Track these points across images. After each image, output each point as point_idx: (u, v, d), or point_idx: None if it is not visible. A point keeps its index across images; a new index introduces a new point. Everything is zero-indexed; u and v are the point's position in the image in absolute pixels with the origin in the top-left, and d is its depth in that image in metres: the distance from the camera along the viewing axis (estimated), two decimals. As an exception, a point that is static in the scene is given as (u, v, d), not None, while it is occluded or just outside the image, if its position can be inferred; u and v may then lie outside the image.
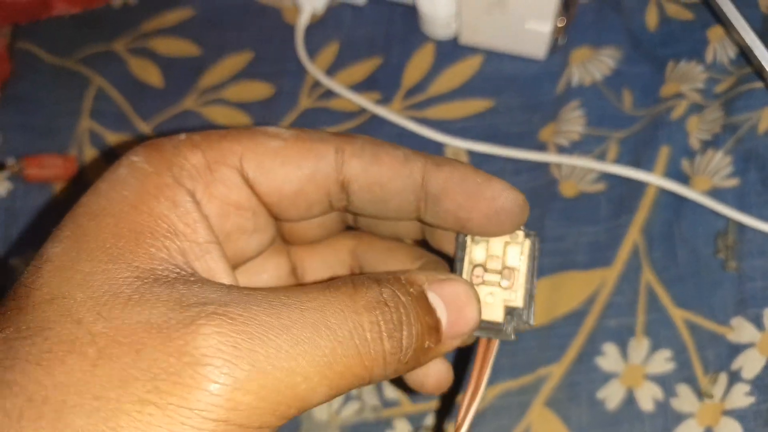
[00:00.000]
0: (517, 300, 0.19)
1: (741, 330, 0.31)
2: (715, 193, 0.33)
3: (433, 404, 0.32)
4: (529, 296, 0.19)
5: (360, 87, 0.39)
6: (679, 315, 0.32)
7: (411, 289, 0.16)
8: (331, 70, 0.40)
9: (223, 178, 0.17)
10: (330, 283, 0.15)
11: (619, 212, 0.34)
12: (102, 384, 0.13)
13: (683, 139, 0.35)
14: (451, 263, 0.20)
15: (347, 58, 0.40)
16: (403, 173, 0.17)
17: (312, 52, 0.41)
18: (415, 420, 0.32)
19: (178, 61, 0.42)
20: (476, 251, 0.19)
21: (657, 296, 0.32)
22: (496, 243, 0.19)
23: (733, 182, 0.33)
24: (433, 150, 0.37)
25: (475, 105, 0.38)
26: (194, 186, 0.16)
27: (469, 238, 0.19)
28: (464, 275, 0.19)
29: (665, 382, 0.31)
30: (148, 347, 0.13)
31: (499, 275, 0.19)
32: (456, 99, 0.39)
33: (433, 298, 0.16)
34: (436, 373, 0.20)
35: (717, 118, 0.35)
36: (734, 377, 0.30)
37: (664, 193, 0.34)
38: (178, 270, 0.15)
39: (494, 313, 0.19)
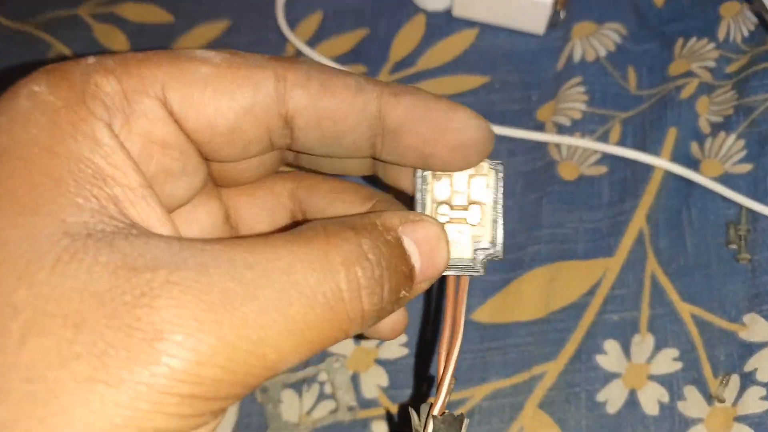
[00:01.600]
0: (486, 234, 0.18)
1: (754, 328, 0.28)
2: (727, 179, 0.31)
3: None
4: (497, 228, 0.18)
5: (344, 59, 0.36)
6: (686, 310, 0.29)
7: (389, 237, 0.15)
8: (313, 41, 0.37)
9: (144, 110, 0.14)
10: (298, 233, 0.13)
11: (622, 198, 0.31)
12: (34, 365, 0.11)
13: (692, 120, 0.32)
14: (411, 201, 0.18)
15: (331, 29, 0.37)
16: (357, 105, 0.15)
17: (293, 22, 0.37)
18: (394, 422, 0.29)
19: (147, 28, 0.38)
20: (439, 187, 0.18)
21: (663, 289, 0.30)
22: (460, 176, 0.18)
23: (746, 168, 0.31)
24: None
25: (469, 81, 0.35)
26: (111, 120, 0.14)
27: (429, 174, 0.18)
28: (429, 214, 0.18)
29: (671, 384, 0.28)
30: (89, 321, 0.11)
31: (465, 211, 0.18)
32: (448, 74, 0.36)
33: (408, 243, 0.15)
34: (391, 317, 0.18)
35: (729, 99, 0.32)
36: (747, 380, 0.27)
37: (671, 177, 0.31)
38: (114, 222, 0.13)
39: (463, 251, 0.18)
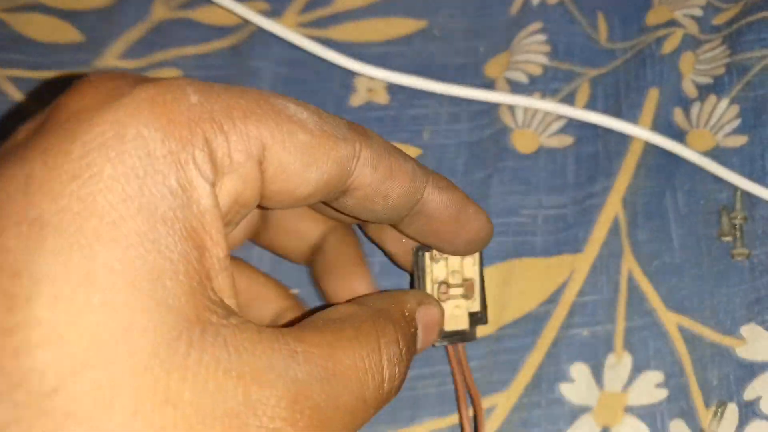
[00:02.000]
0: (476, 305, 0.21)
1: (755, 343, 0.22)
2: (719, 155, 0.25)
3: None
4: (483, 298, 0.21)
5: (239, -8, 0.28)
6: (672, 321, 0.23)
7: (412, 329, 0.18)
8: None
9: (243, 172, 0.14)
10: (358, 329, 0.16)
11: (593, 176, 0.25)
12: None
13: (676, 81, 0.26)
14: (411, 279, 0.21)
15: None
16: (410, 191, 0.17)
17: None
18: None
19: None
20: (437, 269, 0.21)
21: (643, 295, 0.23)
22: (453, 259, 0.21)
23: (741, 140, 0.25)
24: (342, 80, 0.26)
25: (401, 26, 0.28)
26: (214, 181, 0.14)
27: (428, 257, 0.20)
28: (432, 294, 0.20)
29: (654, 418, 0.22)
30: None
31: (461, 288, 0.21)
32: (373, 16, 0.28)
33: (418, 323, 0.18)
34: (367, 288, 0.21)
35: (719, 55, 0.26)
36: (749, 411, 0.21)
37: (652, 152, 0.25)
38: (215, 308, 0.13)
39: (460, 323, 0.21)
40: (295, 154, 0.15)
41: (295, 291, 0.24)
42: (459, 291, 0.21)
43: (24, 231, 0.12)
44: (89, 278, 0.12)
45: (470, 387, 0.21)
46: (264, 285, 0.21)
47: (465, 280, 0.21)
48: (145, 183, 0.12)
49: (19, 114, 0.27)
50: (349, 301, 0.19)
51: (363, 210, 0.17)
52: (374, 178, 0.16)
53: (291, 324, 0.17)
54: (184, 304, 0.12)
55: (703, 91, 0.26)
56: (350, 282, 0.21)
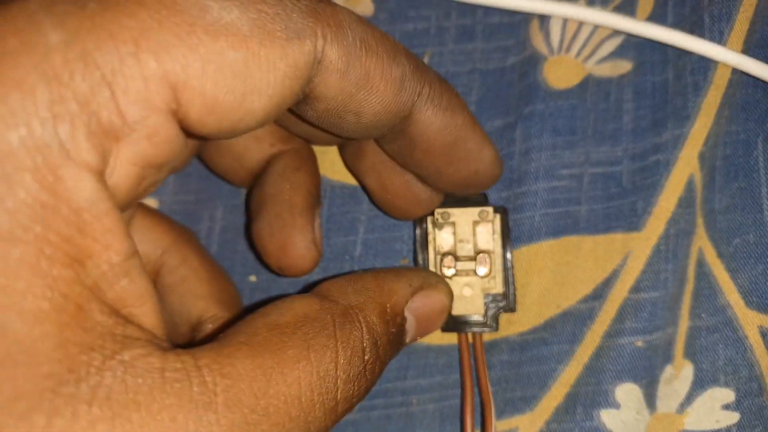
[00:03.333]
0: (497, 285, 0.17)
1: None
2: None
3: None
4: (508, 278, 0.17)
5: None
6: (752, 322, 0.17)
7: (392, 329, 0.14)
8: None
9: (145, 130, 0.11)
10: (305, 338, 0.12)
11: (659, 120, 0.18)
12: None
13: (783, -24, 0.18)
14: (413, 249, 0.17)
15: None
16: (391, 108, 0.13)
17: None
18: None
19: None
20: (442, 237, 0.17)
21: (716, 285, 0.17)
22: (463, 225, 0.17)
23: None
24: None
25: None
26: (103, 159, 0.11)
27: (430, 224, 0.17)
28: (432, 269, 0.17)
29: (720, 448, 0.17)
30: None
31: (473, 262, 0.17)
32: None
33: (408, 319, 0.15)
34: (303, 250, 0.16)
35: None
36: None
37: (743, 83, 0.18)
38: (96, 342, 0.11)
39: (473, 306, 0.17)
40: (224, 82, 0.11)
41: (252, 278, 0.18)
42: (470, 266, 0.17)
43: None
44: None
45: (483, 392, 0.16)
46: (200, 279, 0.16)
47: (479, 252, 0.17)
48: None
49: None
50: (311, 288, 0.14)
51: (327, 125, 0.13)
52: (342, 88, 0.12)
53: (224, 327, 0.15)
54: (48, 352, 0.10)
55: (821, -8, 0.18)
56: (283, 237, 0.16)
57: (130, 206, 0.13)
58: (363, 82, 0.12)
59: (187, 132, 0.12)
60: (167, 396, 0.10)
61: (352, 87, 0.12)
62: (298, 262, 0.16)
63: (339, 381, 0.13)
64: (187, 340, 0.16)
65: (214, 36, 0.11)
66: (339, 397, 0.13)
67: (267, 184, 0.16)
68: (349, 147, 0.17)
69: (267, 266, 0.16)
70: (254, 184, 0.17)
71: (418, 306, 0.15)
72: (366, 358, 0.13)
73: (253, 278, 0.18)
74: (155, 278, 0.16)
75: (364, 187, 0.17)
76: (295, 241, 0.16)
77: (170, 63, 0.10)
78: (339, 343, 0.13)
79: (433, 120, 0.14)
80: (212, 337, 0.15)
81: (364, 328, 0.13)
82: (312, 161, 0.17)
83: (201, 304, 0.16)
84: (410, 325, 0.15)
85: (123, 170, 0.11)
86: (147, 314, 0.11)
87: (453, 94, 0.14)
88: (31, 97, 0.10)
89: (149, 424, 0.10)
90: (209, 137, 0.12)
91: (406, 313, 0.15)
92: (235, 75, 0.11)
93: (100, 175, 0.11)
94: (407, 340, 0.15)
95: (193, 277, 0.16)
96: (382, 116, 0.13)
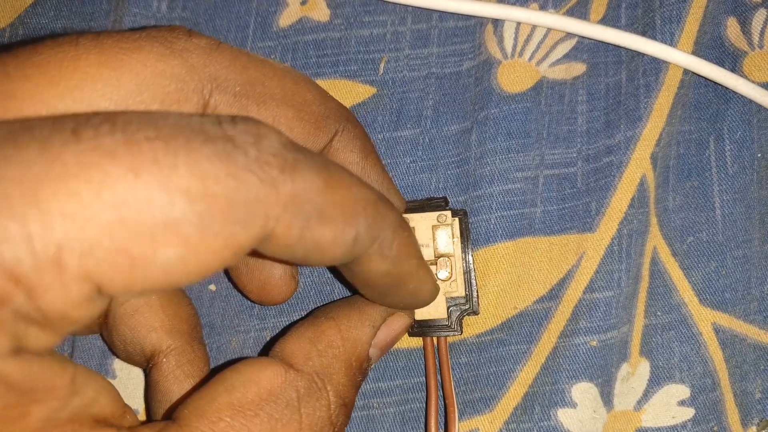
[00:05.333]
0: (458, 288, 0.17)
1: (812, 345, 0.17)
2: (784, 86, 0.18)
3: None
4: (469, 280, 0.17)
5: None
6: (705, 319, 0.17)
7: (359, 378, 0.15)
8: None
9: (72, 321, 0.10)
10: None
11: (612, 121, 0.18)
12: None
13: (732, -22, 0.18)
14: None
15: None
16: (338, 260, 0.12)
17: None
18: None
19: None
20: None
21: (670, 283, 0.18)
22: (423, 230, 0.17)
23: (814, 65, 0.18)
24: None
25: None
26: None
27: None
28: None
29: (675, 443, 0.17)
30: None
31: (434, 266, 0.17)
32: None
33: (372, 352, 0.15)
34: (283, 286, 0.16)
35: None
36: (799, 435, 0.16)
37: (694, 83, 0.18)
38: None
39: (437, 310, 0.17)
40: (153, 275, 0.10)
41: (211, 287, 0.18)
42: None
43: None
44: None
45: (447, 395, 0.17)
46: (152, 309, 0.16)
47: (439, 256, 0.17)
48: None
49: None
50: (274, 351, 0.14)
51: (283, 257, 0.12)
52: (290, 255, 0.11)
53: (178, 355, 0.15)
54: None
55: (768, -7, 0.18)
56: (262, 276, 0.16)
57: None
58: (312, 248, 0.11)
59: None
60: None
61: (300, 252, 0.11)
62: (277, 296, 0.16)
63: None
64: (143, 366, 0.16)
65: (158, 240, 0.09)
66: None
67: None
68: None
69: (244, 295, 0.16)
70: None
71: (381, 339, 0.15)
72: (334, 420, 0.13)
73: (212, 287, 0.18)
74: (108, 308, 0.16)
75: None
76: (274, 278, 0.16)
77: (94, 265, 0.09)
78: (304, 419, 0.13)
79: (379, 267, 0.13)
80: (170, 369, 0.15)
81: (331, 395, 0.13)
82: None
83: (153, 336, 0.15)
84: (374, 357, 0.15)
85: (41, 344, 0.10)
86: (104, 404, 0.11)
87: (406, 241, 0.13)
88: None
89: None
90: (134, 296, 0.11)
91: (371, 351, 0.15)
92: (170, 269, 0.10)
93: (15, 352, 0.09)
94: (371, 367, 0.16)
95: (144, 307, 0.16)
96: (328, 264, 0.12)
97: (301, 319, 0.15)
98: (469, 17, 0.19)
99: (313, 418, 0.13)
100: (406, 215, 0.17)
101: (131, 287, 0.09)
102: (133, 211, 0.09)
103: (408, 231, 0.13)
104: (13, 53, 0.11)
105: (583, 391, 0.17)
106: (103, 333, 0.16)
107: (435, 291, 0.15)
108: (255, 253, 0.11)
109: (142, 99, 0.11)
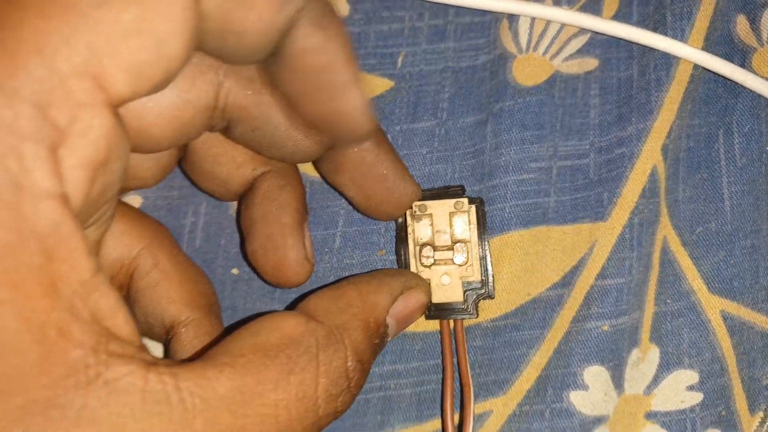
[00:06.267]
0: (474, 273, 0.18)
1: (818, 332, 0.17)
2: (792, 82, 0.18)
3: None
4: (485, 266, 0.18)
5: None
6: (714, 306, 0.18)
7: (376, 340, 0.15)
8: None
9: (84, 130, 0.11)
10: (286, 356, 0.13)
11: (624, 114, 0.19)
12: None
13: (741, -24, 0.19)
14: (396, 243, 0.18)
15: None
16: (271, 24, 0.12)
17: None
18: None
19: None
20: (420, 228, 0.18)
21: (679, 272, 0.18)
22: (440, 216, 0.18)
23: (822, 61, 0.18)
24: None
25: None
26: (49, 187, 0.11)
27: (408, 216, 0.18)
28: (411, 259, 0.18)
29: (683, 427, 0.18)
30: None
31: (450, 251, 0.18)
32: None
33: (389, 321, 0.16)
34: (297, 267, 0.17)
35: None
36: (805, 420, 0.17)
37: (704, 79, 0.19)
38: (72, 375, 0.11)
39: (453, 294, 0.18)
40: (135, 44, 0.11)
41: (234, 271, 0.19)
42: (448, 255, 0.17)
43: None
44: None
45: (462, 374, 0.17)
46: (172, 283, 0.16)
47: (456, 241, 0.17)
48: None
49: None
50: (298, 300, 0.15)
51: (213, 51, 0.13)
52: (221, 5, 0.12)
53: (196, 328, 0.16)
54: (33, 379, 0.10)
55: (777, -9, 0.19)
56: (277, 257, 0.16)
57: (92, 212, 0.13)
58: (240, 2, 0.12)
59: (129, 102, 0.12)
60: (148, 416, 0.11)
61: (230, 4, 0.12)
62: (293, 278, 0.17)
63: (320, 401, 0.13)
64: (162, 340, 0.17)
65: (106, 9, 0.11)
66: (321, 413, 0.13)
67: (255, 206, 0.17)
68: (325, 163, 0.17)
69: (261, 278, 0.17)
70: (242, 204, 0.17)
71: (399, 310, 0.16)
72: (350, 375, 0.14)
73: (235, 271, 0.19)
74: (129, 281, 0.16)
75: (347, 199, 0.18)
76: (289, 260, 0.16)
77: (79, 56, 0.10)
78: (321, 366, 0.13)
79: (309, 39, 0.13)
80: (189, 341, 0.16)
81: (349, 349, 0.14)
82: (295, 177, 0.17)
83: (173, 308, 0.16)
84: (391, 328, 0.16)
85: (70, 177, 0.11)
86: (121, 325, 0.12)
87: (335, 20, 0.13)
88: None
89: None
90: (148, 94, 0.12)
91: (388, 320, 0.16)
92: (141, 32, 0.11)
93: (58, 196, 0.11)
94: (388, 340, 0.16)
95: (164, 281, 0.16)
96: (262, 35, 0.12)
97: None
98: (484, 13, 0.19)
99: (330, 366, 0.13)
100: (424, 202, 0.17)
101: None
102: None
103: (339, 19, 0.13)
104: None
105: (595, 375, 0.17)
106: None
107: (364, 107, 0.14)
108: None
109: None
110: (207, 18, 0.12)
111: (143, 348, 0.12)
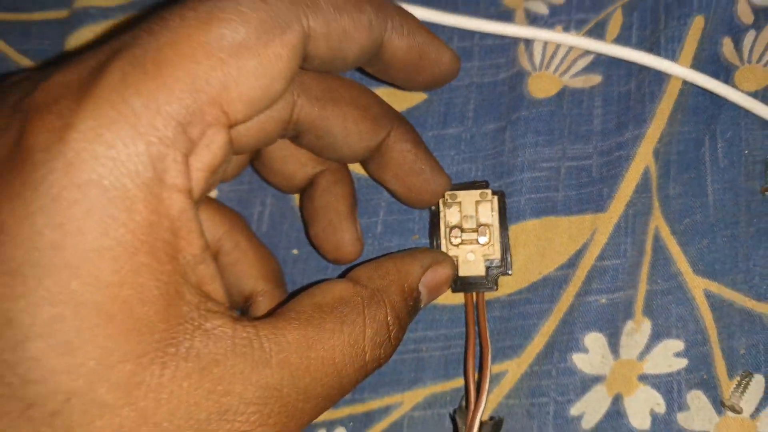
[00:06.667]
0: (495, 252, 0.20)
1: (789, 310, 0.20)
2: (770, 95, 0.21)
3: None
4: (505, 246, 0.21)
5: None
6: (699, 286, 0.21)
7: (410, 302, 0.18)
8: None
9: (209, 143, 0.14)
10: (340, 314, 0.16)
11: (622, 122, 0.22)
12: None
13: (729, 4, 0.22)
14: (430, 227, 0.21)
15: None
16: (366, 44, 0.17)
17: None
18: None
19: None
20: (450, 214, 0.21)
21: (669, 256, 0.21)
22: (468, 203, 0.21)
23: (798, 77, 0.21)
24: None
25: (405, -59, 0.24)
26: (182, 182, 0.14)
27: (441, 204, 0.21)
28: (443, 239, 0.21)
29: (671, 388, 0.21)
30: None
31: (475, 233, 0.21)
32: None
33: (421, 289, 0.19)
34: (351, 246, 0.21)
35: (781, -30, 0.22)
36: (775, 383, 0.20)
37: (692, 92, 0.22)
38: (188, 310, 0.14)
39: (476, 269, 0.21)
40: (253, 83, 0.14)
41: (294, 251, 0.23)
42: (473, 236, 0.20)
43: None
44: (62, 317, 0.13)
45: (483, 337, 0.20)
46: (250, 261, 0.20)
47: (480, 225, 0.20)
48: (109, 225, 0.13)
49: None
50: (346, 274, 0.18)
51: (324, 69, 0.17)
52: (329, 46, 0.16)
53: (270, 299, 0.20)
54: (158, 324, 0.13)
55: (762, 16, 0.22)
56: (336, 239, 0.20)
57: (202, 203, 0.17)
58: (342, 36, 0.16)
59: (240, 124, 0.15)
60: (237, 356, 0.14)
61: (335, 42, 0.16)
62: (348, 256, 0.20)
63: (366, 347, 0.16)
64: (238, 306, 0.21)
65: (236, 57, 0.14)
66: (367, 359, 0.16)
67: (316, 198, 0.20)
68: (372, 163, 0.21)
69: (322, 256, 0.21)
70: (305, 196, 0.21)
71: (429, 280, 0.19)
72: (390, 328, 0.17)
73: (295, 251, 0.23)
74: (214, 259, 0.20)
75: (389, 191, 0.21)
76: (345, 242, 0.20)
77: (213, 89, 0.14)
78: (366, 319, 0.16)
79: (399, 44, 0.18)
80: (263, 307, 0.20)
81: (388, 306, 0.17)
82: (347, 174, 0.21)
83: (251, 282, 0.20)
84: (423, 295, 0.19)
85: (194, 177, 0.14)
86: (217, 290, 0.15)
87: (412, 21, 0.18)
88: (134, 149, 0.13)
89: (224, 374, 0.14)
90: (253, 117, 0.15)
91: (420, 287, 0.19)
92: (258, 75, 0.14)
93: (187, 191, 0.14)
94: (421, 306, 0.19)
95: (243, 259, 0.20)
96: (362, 53, 0.17)
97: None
98: (504, 37, 0.23)
99: (374, 321, 0.16)
100: (453, 191, 0.21)
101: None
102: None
103: (411, 15, 0.18)
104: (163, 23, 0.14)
105: (594, 340, 0.21)
106: None
107: (454, 56, 0.19)
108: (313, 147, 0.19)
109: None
110: (319, 56, 0.16)
111: (231, 308, 0.15)
